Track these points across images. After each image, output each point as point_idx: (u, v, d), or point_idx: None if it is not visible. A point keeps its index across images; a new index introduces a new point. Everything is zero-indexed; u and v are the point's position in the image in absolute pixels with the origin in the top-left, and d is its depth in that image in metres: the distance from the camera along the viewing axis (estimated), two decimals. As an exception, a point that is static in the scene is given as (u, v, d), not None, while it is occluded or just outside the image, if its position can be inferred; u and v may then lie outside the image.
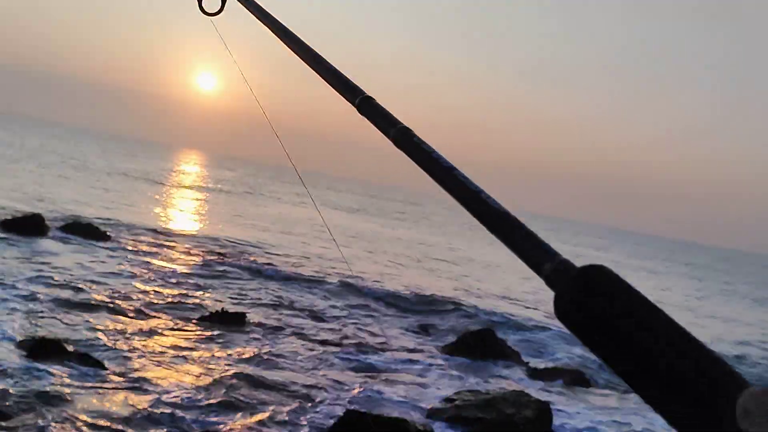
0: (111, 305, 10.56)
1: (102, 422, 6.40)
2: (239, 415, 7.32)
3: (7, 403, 6.34)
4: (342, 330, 12.01)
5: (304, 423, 7.44)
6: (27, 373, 7.17)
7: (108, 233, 16.71)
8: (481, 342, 12.02)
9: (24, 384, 6.86)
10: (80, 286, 11.34)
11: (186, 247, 17.88)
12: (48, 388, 6.86)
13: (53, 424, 6.16)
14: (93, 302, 10.51)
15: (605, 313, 0.57)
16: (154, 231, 19.55)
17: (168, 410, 7.00)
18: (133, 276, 13.05)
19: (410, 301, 16.47)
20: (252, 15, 1.53)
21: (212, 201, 37.53)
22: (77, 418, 6.37)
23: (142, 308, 10.76)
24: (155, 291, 12.15)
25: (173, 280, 13.36)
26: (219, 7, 1.82)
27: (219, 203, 36.40)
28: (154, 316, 10.45)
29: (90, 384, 7.22)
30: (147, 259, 14.99)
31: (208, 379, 8.18)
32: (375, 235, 34.48)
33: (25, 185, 24.72)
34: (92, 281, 11.91)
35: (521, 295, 21.92)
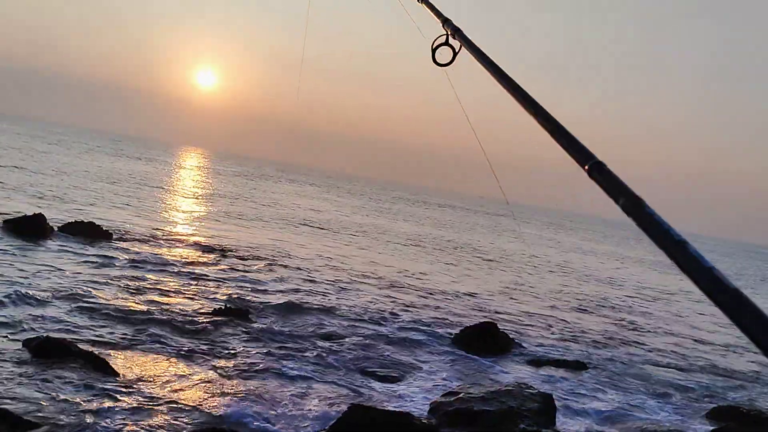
0: (114, 303, 10.59)
1: (109, 420, 6.45)
2: (242, 409, 7.37)
3: (17, 407, 6.39)
4: (346, 325, 12.05)
5: (309, 417, 7.49)
6: (34, 375, 7.21)
7: (110, 232, 16.74)
8: (484, 335, 12.06)
9: (31, 385, 6.91)
10: (83, 284, 11.38)
11: (189, 246, 17.93)
12: (56, 389, 6.90)
13: (65, 423, 6.21)
14: (96, 300, 10.55)
15: None
16: (158, 230, 19.60)
17: (173, 405, 7.05)
18: (136, 274, 13.08)
19: (414, 294, 16.51)
20: (483, 68, 1.61)
21: (216, 198, 37.56)
22: (85, 415, 6.42)
23: (146, 306, 10.80)
24: (159, 288, 12.19)
25: (176, 278, 13.40)
26: (450, 59, 2.06)
27: (223, 201, 36.42)
28: (158, 314, 10.47)
29: (97, 383, 7.27)
30: (150, 257, 15.03)
31: (212, 374, 8.23)
32: (380, 229, 34.51)
33: (26, 185, 24.75)
34: (94, 280, 11.95)
35: (524, 288, 21.98)
